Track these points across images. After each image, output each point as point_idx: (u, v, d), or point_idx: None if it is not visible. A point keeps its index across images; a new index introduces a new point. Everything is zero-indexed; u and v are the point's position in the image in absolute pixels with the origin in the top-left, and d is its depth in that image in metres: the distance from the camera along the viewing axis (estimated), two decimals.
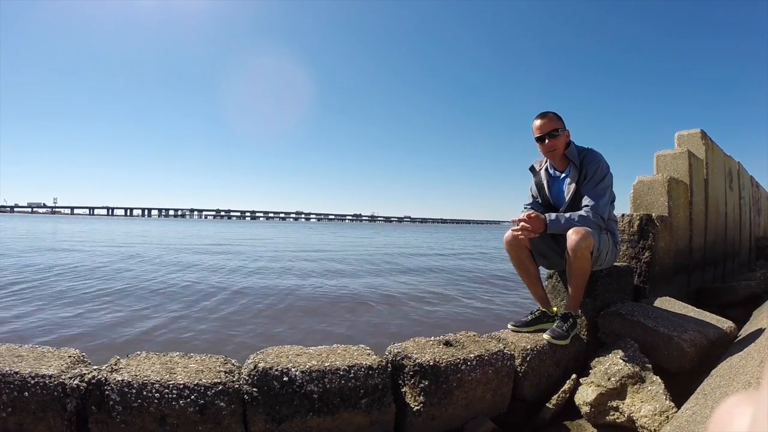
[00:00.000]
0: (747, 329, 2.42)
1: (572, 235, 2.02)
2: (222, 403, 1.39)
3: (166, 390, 1.36)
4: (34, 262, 8.09)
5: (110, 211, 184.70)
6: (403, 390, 1.67)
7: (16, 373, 1.33)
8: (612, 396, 1.78)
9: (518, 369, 1.90)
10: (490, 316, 4.76)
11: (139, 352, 1.59)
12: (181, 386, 1.37)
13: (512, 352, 1.90)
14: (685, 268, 3.72)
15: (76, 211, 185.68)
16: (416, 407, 1.62)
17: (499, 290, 6.61)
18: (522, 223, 2.11)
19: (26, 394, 1.31)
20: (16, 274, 6.49)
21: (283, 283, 6.59)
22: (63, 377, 1.37)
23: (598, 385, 1.82)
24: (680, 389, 1.75)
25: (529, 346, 1.97)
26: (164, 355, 1.58)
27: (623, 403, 1.75)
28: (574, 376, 1.99)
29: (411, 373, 1.66)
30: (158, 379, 1.38)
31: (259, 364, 1.49)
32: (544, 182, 2.35)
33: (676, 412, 1.58)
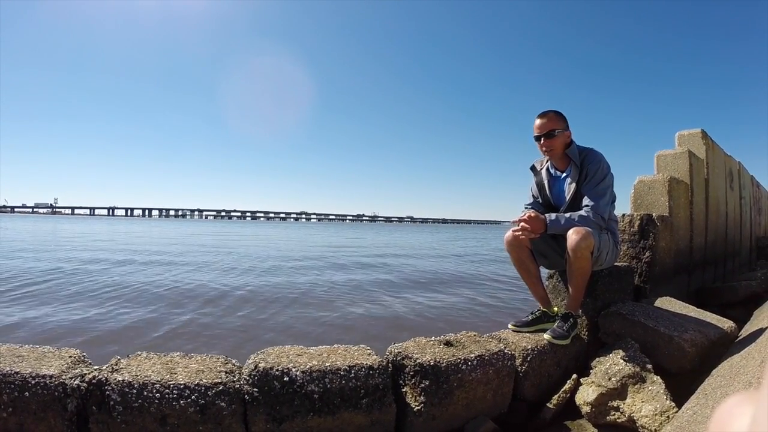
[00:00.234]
0: (747, 329, 2.42)
1: (572, 235, 2.02)
2: (222, 404, 1.39)
3: (167, 390, 1.36)
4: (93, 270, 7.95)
5: (111, 211, 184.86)
6: (404, 390, 1.67)
7: (17, 373, 1.33)
8: (613, 396, 1.78)
9: (519, 369, 1.90)
10: (490, 316, 4.76)
11: (139, 353, 1.59)
12: (182, 386, 1.37)
13: (513, 352, 1.90)
14: (686, 268, 3.72)
15: (76, 211, 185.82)
16: (417, 407, 1.62)
17: (499, 290, 6.61)
18: (522, 224, 2.11)
19: (27, 394, 1.31)
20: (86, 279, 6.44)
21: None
22: (63, 377, 1.37)
23: (599, 385, 1.82)
24: (681, 389, 1.75)
25: (529, 346, 1.97)
26: (165, 355, 1.58)
27: (624, 403, 1.75)
28: (574, 376, 1.99)
29: (412, 373, 1.66)
30: (159, 379, 1.38)
31: (259, 364, 1.49)
32: (545, 182, 2.35)
33: (676, 412, 1.58)
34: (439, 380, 1.63)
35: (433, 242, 22.17)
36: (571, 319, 2.12)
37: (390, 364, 1.69)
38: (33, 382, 1.33)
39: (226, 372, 1.48)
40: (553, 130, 2.21)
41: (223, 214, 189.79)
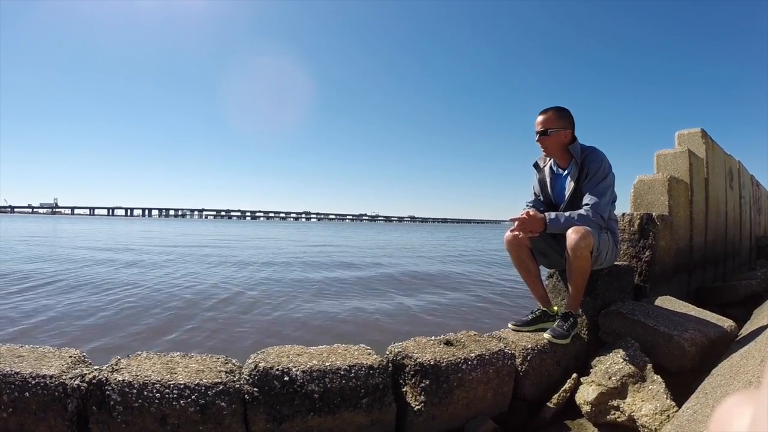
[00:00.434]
0: (747, 328, 2.42)
1: (572, 234, 2.02)
2: (223, 403, 1.39)
3: (167, 390, 1.36)
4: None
5: (110, 211, 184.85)
6: (404, 389, 1.67)
7: (17, 373, 1.33)
8: (613, 395, 1.78)
9: (519, 368, 1.90)
10: (491, 316, 4.76)
11: (139, 352, 1.59)
12: (182, 386, 1.37)
13: (513, 352, 1.90)
14: (686, 268, 3.72)
15: (76, 211, 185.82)
16: (417, 407, 1.62)
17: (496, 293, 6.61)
18: (520, 222, 2.11)
19: (27, 394, 1.31)
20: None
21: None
22: (64, 377, 1.37)
23: (599, 385, 1.82)
24: (681, 388, 1.75)
25: (529, 346, 1.97)
26: (165, 355, 1.58)
27: (624, 402, 1.75)
28: (574, 375, 1.99)
29: (412, 372, 1.66)
30: (159, 379, 1.38)
31: (259, 364, 1.49)
32: (547, 179, 2.35)
33: (676, 411, 1.58)
34: (439, 380, 1.63)
35: (433, 242, 22.18)
36: (571, 319, 2.12)
37: (390, 364, 1.69)
38: (33, 382, 1.33)
39: (226, 372, 1.48)
40: (547, 129, 2.22)
41: (223, 213, 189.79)
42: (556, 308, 2.34)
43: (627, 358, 1.87)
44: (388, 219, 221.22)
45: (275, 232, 30.65)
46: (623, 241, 2.87)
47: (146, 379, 1.38)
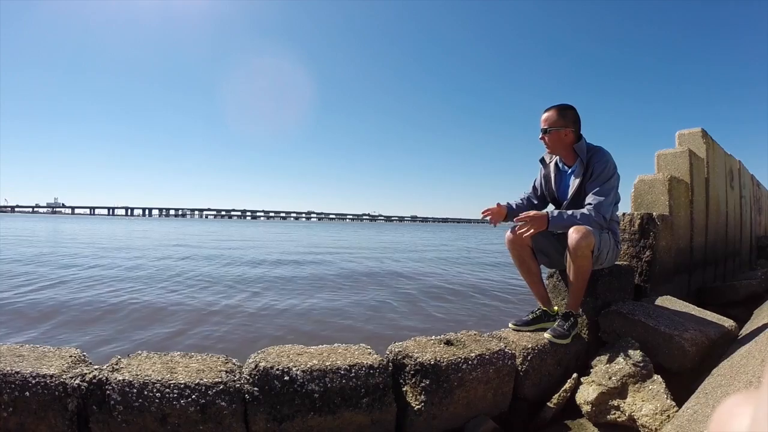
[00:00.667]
0: (748, 328, 2.42)
1: (573, 234, 2.02)
2: (223, 403, 1.39)
3: (167, 389, 1.36)
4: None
5: (111, 210, 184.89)
6: (404, 389, 1.67)
7: (17, 372, 1.33)
8: (613, 395, 1.78)
9: (519, 368, 1.90)
10: (490, 315, 4.76)
11: (140, 352, 1.59)
12: (182, 386, 1.37)
13: (513, 351, 1.90)
14: (686, 268, 3.71)
15: (77, 211, 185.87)
16: (417, 406, 1.62)
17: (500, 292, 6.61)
18: (522, 222, 2.11)
19: (27, 393, 1.31)
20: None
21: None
22: (64, 377, 1.37)
23: (599, 384, 1.82)
24: (681, 388, 1.75)
25: (530, 345, 1.97)
26: (165, 355, 1.58)
27: (624, 402, 1.75)
28: (575, 375, 1.99)
29: (412, 372, 1.66)
30: (159, 378, 1.38)
31: (260, 364, 1.49)
32: (552, 175, 2.36)
33: (677, 411, 1.58)
34: (439, 379, 1.63)
35: (436, 242, 22.17)
36: (571, 318, 2.12)
37: (390, 364, 1.69)
38: (33, 381, 1.33)
39: (226, 371, 1.48)
40: (547, 128, 2.23)
41: (223, 213, 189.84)
42: (556, 308, 2.34)
43: (627, 358, 1.87)
44: (388, 219, 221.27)
45: (277, 232, 30.66)
46: (624, 241, 2.87)
47: (146, 378, 1.38)
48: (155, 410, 1.34)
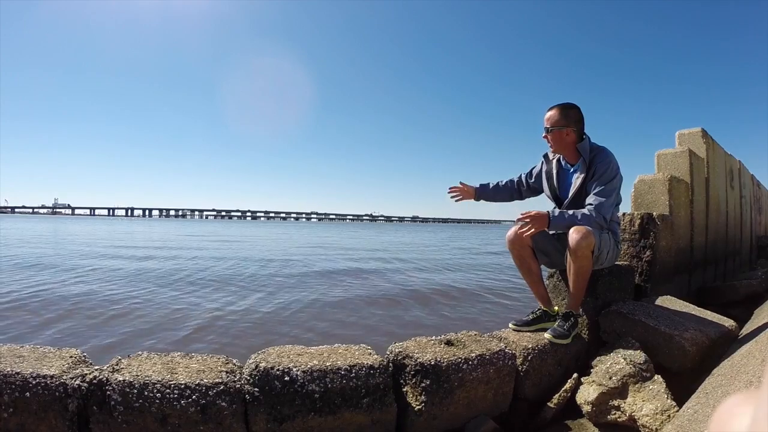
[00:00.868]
0: (748, 328, 2.42)
1: (573, 234, 2.02)
2: (223, 403, 1.39)
3: (168, 390, 1.36)
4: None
5: (111, 211, 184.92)
6: (405, 389, 1.67)
7: (18, 373, 1.33)
8: (613, 395, 1.78)
9: (520, 368, 1.90)
10: (490, 315, 4.76)
11: (140, 352, 1.60)
12: (183, 386, 1.37)
13: (514, 352, 1.90)
14: (686, 267, 3.71)
15: (77, 211, 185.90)
16: (418, 407, 1.62)
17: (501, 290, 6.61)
18: (523, 221, 2.10)
19: (28, 394, 1.31)
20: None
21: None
22: (64, 377, 1.37)
23: (600, 384, 1.81)
24: (681, 388, 1.75)
25: (530, 346, 1.97)
26: (165, 355, 1.59)
27: (625, 402, 1.75)
28: (575, 375, 1.99)
29: (412, 372, 1.66)
30: (159, 379, 1.38)
31: (260, 364, 1.49)
32: (554, 171, 2.37)
33: (677, 411, 1.58)
34: (439, 379, 1.63)
35: (457, 241, 22.17)
36: (571, 319, 2.12)
37: (391, 364, 1.68)
38: (34, 382, 1.33)
39: (226, 372, 1.48)
40: (549, 127, 2.24)
41: (223, 213, 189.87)
42: (556, 308, 2.34)
43: (628, 358, 1.87)
44: (388, 219, 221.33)
45: (279, 233, 30.68)
46: (624, 241, 2.87)
47: (147, 379, 1.38)
48: (155, 411, 1.34)
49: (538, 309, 2.30)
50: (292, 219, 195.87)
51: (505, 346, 1.88)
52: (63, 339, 3.43)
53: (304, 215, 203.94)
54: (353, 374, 1.53)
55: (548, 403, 1.90)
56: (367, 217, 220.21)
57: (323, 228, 51.29)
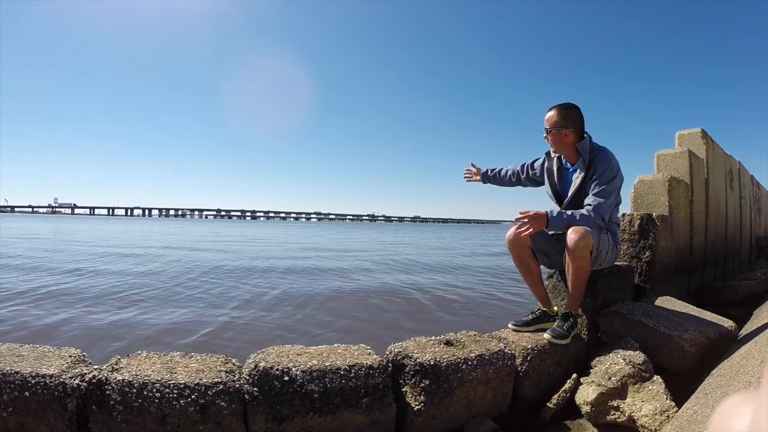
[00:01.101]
0: (747, 329, 2.42)
1: (571, 234, 2.02)
2: (223, 403, 1.39)
3: (167, 390, 1.36)
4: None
5: (111, 211, 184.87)
6: (404, 389, 1.67)
7: (17, 372, 1.33)
8: (613, 395, 1.78)
9: (519, 368, 1.90)
10: (490, 316, 4.76)
11: (139, 352, 1.59)
12: (182, 386, 1.37)
13: (513, 352, 1.90)
14: (686, 268, 3.71)
15: (76, 211, 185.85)
16: (417, 407, 1.62)
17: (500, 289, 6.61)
18: (522, 221, 2.11)
19: (27, 393, 1.31)
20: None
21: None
22: (64, 377, 1.37)
23: (599, 385, 1.81)
24: (681, 389, 1.75)
25: (529, 346, 1.97)
26: (165, 355, 1.58)
27: (624, 403, 1.75)
28: (574, 375, 1.99)
29: (412, 372, 1.66)
30: (159, 378, 1.38)
31: (259, 364, 1.49)
32: (554, 169, 2.38)
33: (676, 411, 1.58)
34: (439, 380, 1.63)
35: (459, 240, 22.17)
36: (571, 319, 2.12)
37: (390, 364, 1.68)
38: (33, 381, 1.33)
39: (226, 371, 1.48)
40: (548, 128, 2.26)
41: (222, 213, 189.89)
42: (556, 308, 2.34)
43: (627, 359, 1.87)
44: (388, 219, 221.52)
45: (280, 233, 30.72)
46: (623, 242, 2.87)
47: (146, 378, 1.38)
48: (155, 410, 1.34)
49: (538, 309, 2.30)
50: (292, 219, 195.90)
51: (505, 347, 1.88)
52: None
53: (303, 215, 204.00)
54: (352, 374, 1.53)
55: (547, 404, 1.90)
56: (367, 218, 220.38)
57: (322, 228, 51.34)
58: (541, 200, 2.54)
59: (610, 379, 1.80)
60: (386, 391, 1.58)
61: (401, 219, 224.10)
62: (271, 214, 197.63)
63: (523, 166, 2.61)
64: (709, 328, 2.17)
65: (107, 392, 1.35)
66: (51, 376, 1.35)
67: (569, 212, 2.12)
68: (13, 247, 11.55)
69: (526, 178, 2.60)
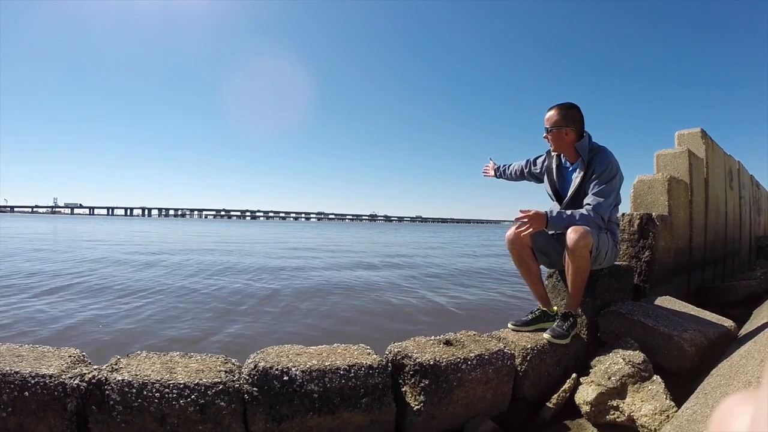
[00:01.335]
0: (747, 328, 2.42)
1: (571, 234, 2.02)
2: (222, 403, 1.39)
3: (167, 390, 1.36)
4: None
5: (110, 210, 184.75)
6: (404, 389, 1.67)
7: (17, 372, 1.33)
8: (612, 395, 1.78)
9: (519, 368, 1.90)
10: (490, 316, 4.76)
11: (139, 352, 1.59)
12: (182, 386, 1.37)
13: (512, 352, 1.90)
14: (685, 268, 3.72)
15: (76, 211, 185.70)
16: (416, 406, 1.62)
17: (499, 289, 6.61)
18: (521, 220, 2.11)
19: (26, 393, 1.31)
20: None
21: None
22: (63, 377, 1.37)
23: (599, 385, 1.82)
24: (680, 388, 1.75)
25: (529, 346, 1.97)
26: (164, 355, 1.58)
27: (623, 403, 1.75)
28: (574, 375, 1.99)
29: (411, 372, 1.66)
30: (158, 378, 1.38)
31: (259, 364, 1.49)
32: (554, 167, 2.38)
33: (676, 411, 1.58)
34: (438, 379, 1.63)
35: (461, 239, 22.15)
36: (570, 319, 2.12)
37: (390, 364, 1.68)
38: (33, 381, 1.33)
39: (225, 371, 1.48)
40: (548, 127, 2.27)
41: (222, 213, 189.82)
42: (555, 308, 2.34)
43: (626, 359, 1.87)
44: (387, 218, 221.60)
45: (281, 234, 30.70)
46: (623, 241, 2.87)
47: (146, 378, 1.38)
48: (154, 410, 1.34)
49: (537, 309, 2.30)
50: (292, 219, 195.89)
51: (504, 346, 1.88)
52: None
53: (303, 215, 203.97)
54: (352, 374, 1.53)
55: (547, 404, 1.90)
56: (367, 218, 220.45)
57: (321, 228, 51.32)
58: (540, 200, 2.55)
59: (609, 378, 1.80)
60: (386, 390, 1.58)
61: (401, 219, 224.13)
62: (271, 214, 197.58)
63: (527, 161, 2.64)
64: (708, 328, 2.17)
65: (107, 392, 1.35)
66: (51, 376, 1.35)
67: (569, 212, 2.12)
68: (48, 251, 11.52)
69: (529, 173, 2.62)
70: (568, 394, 1.92)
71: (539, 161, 2.54)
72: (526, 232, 2.09)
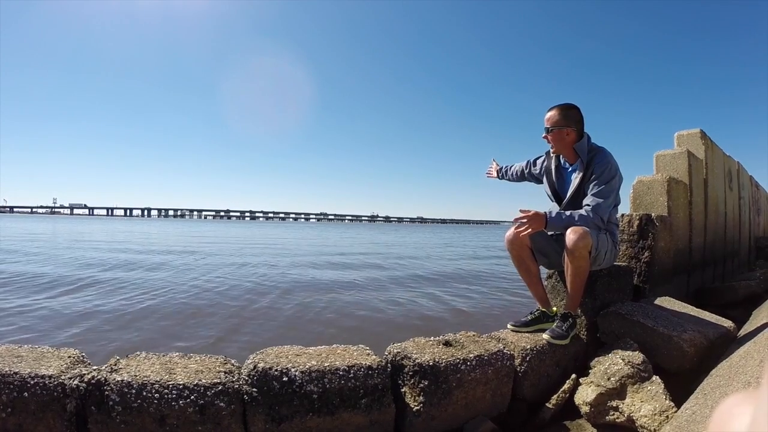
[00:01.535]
0: (747, 329, 2.42)
1: (570, 235, 2.02)
2: (222, 404, 1.39)
3: (166, 390, 1.36)
4: None
5: (110, 211, 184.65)
6: (403, 390, 1.67)
7: (16, 373, 1.33)
8: (612, 396, 1.78)
9: (518, 369, 1.90)
10: (489, 316, 4.76)
11: (138, 353, 1.59)
12: (181, 386, 1.37)
13: (512, 352, 1.90)
14: (685, 268, 3.72)
15: (75, 211, 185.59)
16: (416, 407, 1.62)
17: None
18: (521, 221, 2.11)
19: (26, 394, 1.31)
20: None
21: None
22: (63, 377, 1.37)
23: (598, 385, 1.82)
24: (680, 389, 1.75)
25: (528, 346, 1.97)
26: (164, 356, 1.58)
27: (623, 403, 1.75)
28: (573, 376, 1.99)
29: (411, 373, 1.66)
30: (158, 379, 1.38)
31: (258, 365, 1.49)
32: (553, 168, 2.39)
33: (675, 411, 1.58)
34: (438, 380, 1.63)
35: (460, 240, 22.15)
36: (570, 319, 2.12)
37: (389, 364, 1.68)
38: (32, 382, 1.33)
39: (225, 372, 1.48)
40: (549, 127, 2.27)
41: (222, 214, 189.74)
42: (555, 309, 2.34)
43: (626, 359, 1.87)
44: (387, 219, 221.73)
45: (282, 235, 30.67)
46: (622, 242, 2.87)
47: (145, 379, 1.37)
48: (154, 411, 1.33)
49: (537, 310, 2.30)
50: (291, 219, 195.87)
51: (504, 347, 1.88)
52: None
53: (303, 216, 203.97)
54: (351, 375, 1.53)
55: (547, 404, 1.90)
56: (367, 218, 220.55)
57: (320, 228, 51.33)
58: (540, 200, 2.55)
59: (609, 379, 1.80)
60: (385, 391, 1.58)
61: (400, 219, 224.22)
62: (270, 215, 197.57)
63: (527, 162, 2.64)
64: (708, 329, 2.17)
65: (106, 393, 1.35)
66: (50, 377, 1.35)
67: (568, 212, 2.12)
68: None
69: (529, 174, 2.63)
70: (567, 395, 1.92)
71: (539, 162, 2.54)
72: (526, 233, 2.09)
